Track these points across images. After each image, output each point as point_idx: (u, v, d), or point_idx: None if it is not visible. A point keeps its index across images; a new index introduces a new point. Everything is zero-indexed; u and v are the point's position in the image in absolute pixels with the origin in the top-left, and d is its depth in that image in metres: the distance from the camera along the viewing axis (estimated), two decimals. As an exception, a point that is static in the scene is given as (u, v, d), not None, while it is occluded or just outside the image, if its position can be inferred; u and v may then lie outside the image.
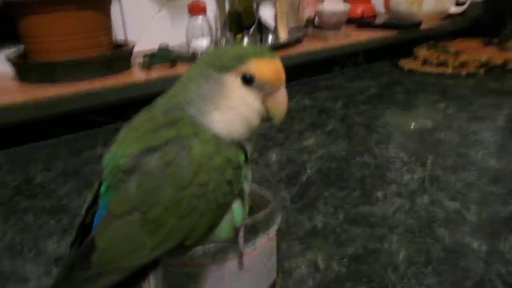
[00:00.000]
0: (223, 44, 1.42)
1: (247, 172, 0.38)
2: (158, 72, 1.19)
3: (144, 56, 1.26)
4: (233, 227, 0.38)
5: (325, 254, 0.61)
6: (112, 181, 0.35)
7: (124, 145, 0.35)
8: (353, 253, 0.61)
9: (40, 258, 0.65)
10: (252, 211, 0.42)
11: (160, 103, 0.38)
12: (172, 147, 0.34)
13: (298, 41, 1.51)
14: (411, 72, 1.55)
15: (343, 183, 0.81)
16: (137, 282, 0.34)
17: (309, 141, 1.01)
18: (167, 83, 0.38)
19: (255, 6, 1.39)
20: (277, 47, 1.41)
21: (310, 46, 1.48)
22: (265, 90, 0.36)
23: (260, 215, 0.42)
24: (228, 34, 1.41)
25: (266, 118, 0.37)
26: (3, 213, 0.78)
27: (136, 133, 0.36)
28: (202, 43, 1.35)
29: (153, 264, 0.35)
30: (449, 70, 1.49)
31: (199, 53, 1.29)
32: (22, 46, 1.20)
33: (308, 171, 0.86)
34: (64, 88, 1.07)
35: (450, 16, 1.83)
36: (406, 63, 1.61)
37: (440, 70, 1.51)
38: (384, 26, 1.69)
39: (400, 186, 0.79)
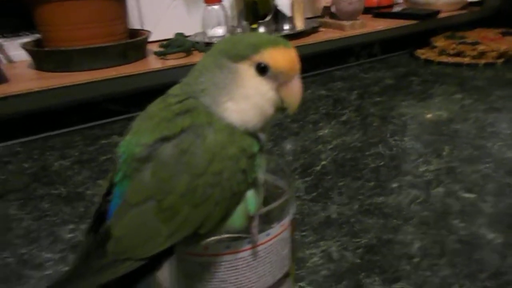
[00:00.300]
0: (239, 33, 1.41)
1: (261, 162, 0.38)
2: (173, 61, 1.19)
3: (160, 45, 1.26)
4: (247, 216, 0.38)
5: (339, 244, 0.61)
6: (127, 170, 0.35)
7: (139, 134, 0.35)
8: (367, 243, 0.61)
9: (57, 245, 0.65)
10: (266, 201, 0.42)
11: (175, 92, 0.37)
12: (187, 136, 0.34)
13: (314, 30, 1.50)
14: (428, 62, 1.53)
15: (358, 174, 0.81)
16: (152, 271, 0.35)
17: (324, 131, 1.00)
18: (183, 72, 0.38)
19: (271, -6, 1.39)
20: (293, 36, 1.40)
21: (326, 35, 1.47)
22: (279, 80, 0.36)
23: (274, 205, 0.42)
24: (244, 23, 1.40)
25: (281, 108, 0.37)
26: (20, 200, 0.79)
27: (151, 121, 0.35)
28: (218, 32, 1.35)
29: (168, 253, 0.35)
30: (466, 60, 1.48)
31: (214, 42, 1.29)
32: (38, 35, 1.21)
33: (323, 162, 0.86)
34: (79, 77, 1.08)
35: (469, 5, 1.80)
36: (423, 53, 1.59)
37: (457, 60, 1.49)
38: (401, 15, 1.67)
39: (415, 177, 0.78)
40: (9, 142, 1.04)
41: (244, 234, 0.40)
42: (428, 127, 1.01)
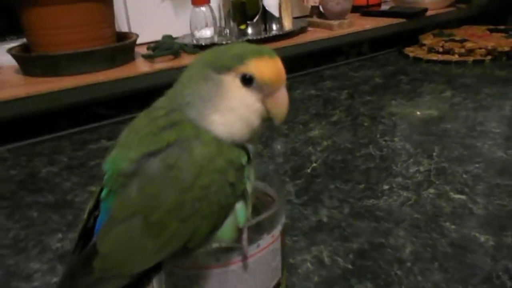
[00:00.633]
0: (227, 33, 1.41)
1: (250, 173, 0.38)
2: (162, 64, 1.18)
3: (148, 47, 1.25)
4: (236, 228, 0.37)
5: (330, 249, 0.61)
6: (113, 186, 0.34)
7: (125, 149, 0.35)
8: (359, 248, 0.61)
9: (45, 255, 0.64)
10: (256, 209, 0.41)
11: (160, 105, 0.37)
12: (173, 150, 0.33)
13: (302, 30, 1.49)
14: (416, 60, 1.54)
15: (348, 176, 0.80)
16: (140, 287, 0.34)
17: (314, 132, 1.00)
18: (171, 74, 0.38)
19: (259, -5, 1.38)
20: (282, 36, 1.39)
21: (314, 35, 1.47)
22: (265, 91, 0.35)
23: (264, 216, 0.41)
24: (232, 23, 1.40)
25: (267, 119, 0.36)
26: (7, 208, 0.78)
27: (136, 136, 0.35)
28: (206, 33, 1.34)
29: (156, 268, 0.35)
30: (455, 58, 1.48)
31: (202, 44, 1.29)
32: (24, 39, 1.20)
33: (314, 164, 0.85)
34: (67, 81, 1.07)
35: (456, 3, 1.81)
36: (412, 51, 1.60)
37: (446, 58, 1.50)
38: (389, 14, 1.67)
39: (406, 178, 0.78)
40: (-4, 149, 1.03)
41: (234, 245, 0.39)
42: (418, 127, 1.01)
